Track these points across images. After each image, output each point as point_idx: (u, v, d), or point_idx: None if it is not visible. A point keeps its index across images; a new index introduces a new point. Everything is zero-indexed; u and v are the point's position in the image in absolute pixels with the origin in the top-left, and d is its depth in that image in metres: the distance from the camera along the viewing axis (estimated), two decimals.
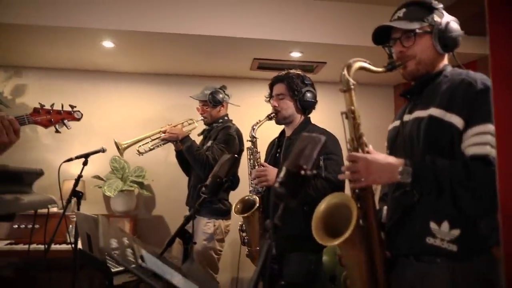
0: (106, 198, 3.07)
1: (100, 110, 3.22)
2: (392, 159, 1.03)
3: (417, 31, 1.09)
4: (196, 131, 2.60)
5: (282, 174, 0.83)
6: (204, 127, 2.55)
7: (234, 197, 2.25)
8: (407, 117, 1.15)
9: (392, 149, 1.21)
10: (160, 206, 3.24)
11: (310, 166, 0.83)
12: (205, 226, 2.27)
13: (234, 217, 2.32)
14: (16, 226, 2.64)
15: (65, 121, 1.70)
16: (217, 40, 2.55)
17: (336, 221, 1.12)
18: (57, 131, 1.71)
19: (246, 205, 1.68)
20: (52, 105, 1.71)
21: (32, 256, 2.50)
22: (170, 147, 2.51)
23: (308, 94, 1.76)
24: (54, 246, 2.51)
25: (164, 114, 3.24)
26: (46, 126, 1.68)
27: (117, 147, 2.37)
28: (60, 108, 1.72)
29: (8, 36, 2.57)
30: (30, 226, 2.62)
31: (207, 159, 2.23)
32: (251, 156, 1.75)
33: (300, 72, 1.83)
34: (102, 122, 3.20)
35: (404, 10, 1.14)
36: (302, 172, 0.81)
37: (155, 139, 2.42)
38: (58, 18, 2.38)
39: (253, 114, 3.20)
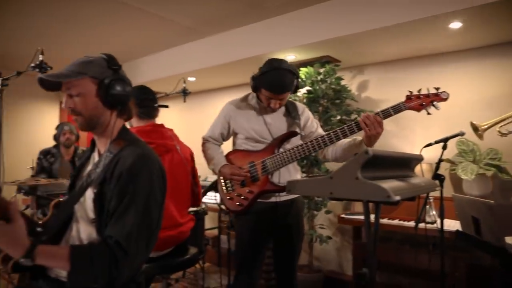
0: (454, 181, 3.04)
1: None
2: None
3: None
4: None
5: None
6: None
7: None
8: None
9: None
10: None
11: None
12: None
13: None
14: None
15: (434, 102, 1.84)
16: None
17: None
18: (428, 113, 1.87)
19: None
20: (419, 90, 1.88)
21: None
22: None
23: None
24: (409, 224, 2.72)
25: None
26: (418, 110, 1.88)
27: (474, 129, 2.28)
28: (427, 92, 1.87)
29: (355, 43, 3.02)
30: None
31: None
32: None
33: None
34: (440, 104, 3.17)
35: None
36: None
37: None
38: (402, 15, 2.56)
39: None
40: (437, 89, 1.85)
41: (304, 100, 3.32)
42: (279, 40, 3.21)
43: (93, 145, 1.52)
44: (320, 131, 2.20)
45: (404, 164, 1.73)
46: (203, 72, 4.08)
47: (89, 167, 1.46)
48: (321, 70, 3.26)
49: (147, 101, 2.10)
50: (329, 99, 3.26)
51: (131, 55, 4.26)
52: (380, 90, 3.55)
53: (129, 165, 1.28)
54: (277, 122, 2.13)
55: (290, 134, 2.10)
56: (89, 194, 1.37)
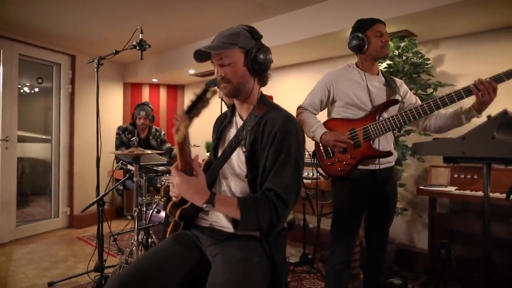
0: None
1: None
2: None
3: None
4: None
5: None
6: None
7: None
8: None
9: None
10: None
11: None
12: None
13: None
14: (456, 175, 3.11)
15: None
16: None
17: None
18: None
19: None
20: None
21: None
22: None
23: None
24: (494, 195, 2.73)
25: None
26: None
27: None
28: None
29: (436, 17, 3.00)
30: (468, 176, 3.02)
31: None
32: None
33: None
34: None
35: None
36: None
37: None
38: None
39: None
40: None
41: None
42: (356, 17, 3.22)
43: (232, 110, 1.67)
44: (420, 103, 2.25)
45: None
46: (272, 50, 4.17)
47: (232, 130, 1.62)
48: (402, 45, 3.26)
49: None
50: (405, 73, 3.27)
51: (205, 33, 4.40)
52: (456, 64, 3.51)
53: (280, 126, 1.42)
54: (379, 91, 2.19)
55: (392, 102, 2.16)
56: (237, 153, 1.53)
